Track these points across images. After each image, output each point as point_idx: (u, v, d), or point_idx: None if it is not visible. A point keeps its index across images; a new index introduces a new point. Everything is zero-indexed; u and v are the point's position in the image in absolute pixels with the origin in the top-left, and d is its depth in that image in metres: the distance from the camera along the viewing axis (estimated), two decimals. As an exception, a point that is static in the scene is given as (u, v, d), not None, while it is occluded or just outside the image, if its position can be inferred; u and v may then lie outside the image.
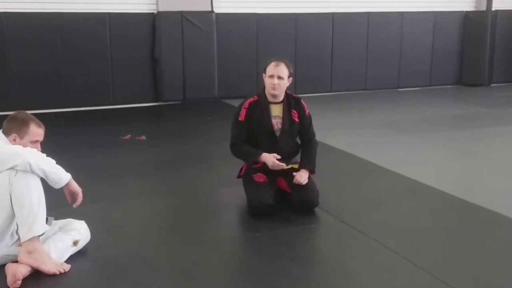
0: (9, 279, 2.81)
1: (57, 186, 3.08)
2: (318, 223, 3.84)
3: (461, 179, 4.95)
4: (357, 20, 10.38)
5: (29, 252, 2.90)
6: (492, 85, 11.48)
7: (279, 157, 3.93)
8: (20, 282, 2.81)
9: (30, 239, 2.90)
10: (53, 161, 3.05)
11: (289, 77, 4.03)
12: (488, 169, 5.26)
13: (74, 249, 3.18)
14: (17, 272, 2.83)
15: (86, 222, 3.33)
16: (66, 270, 2.99)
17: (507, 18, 11.36)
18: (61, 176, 3.06)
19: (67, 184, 3.11)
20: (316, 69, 10.12)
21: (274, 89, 3.98)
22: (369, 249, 3.37)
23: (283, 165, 3.93)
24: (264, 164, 3.96)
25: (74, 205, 3.19)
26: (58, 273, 2.95)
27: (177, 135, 6.87)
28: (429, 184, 4.62)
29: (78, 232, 3.24)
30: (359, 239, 3.52)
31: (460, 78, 11.50)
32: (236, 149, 4.10)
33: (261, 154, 3.97)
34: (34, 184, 2.93)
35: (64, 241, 3.13)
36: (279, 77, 3.96)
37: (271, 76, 3.97)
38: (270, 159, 3.92)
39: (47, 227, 3.02)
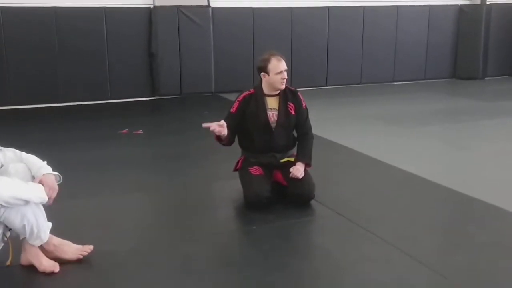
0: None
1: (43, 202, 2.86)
2: (314, 216, 3.86)
3: (456, 172, 4.98)
4: (352, 14, 10.39)
5: (49, 252, 2.99)
6: (486, 78, 11.53)
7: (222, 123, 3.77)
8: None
9: (44, 244, 2.96)
10: (14, 183, 2.73)
11: None
12: (483, 161, 5.30)
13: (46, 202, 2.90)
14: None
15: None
16: (89, 251, 3.06)
17: (501, 12, 11.39)
18: (31, 196, 2.76)
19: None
20: (312, 63, 10.13)
21: (283, 83, 4.01)
22: (365, 241, 3.39)
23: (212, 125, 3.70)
24: (219, 138, 3.85)
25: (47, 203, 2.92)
26: (82, 257, 3.03)
27: (174, 129, 6.90)
28: (425, 176, 4.64)
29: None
30: (355, 231, 3.54)
31: (455, 72, 11.54)
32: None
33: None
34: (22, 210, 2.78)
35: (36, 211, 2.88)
36: (286, 70, 4.01)
37: (281, 72, 3.95)
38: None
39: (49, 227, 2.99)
